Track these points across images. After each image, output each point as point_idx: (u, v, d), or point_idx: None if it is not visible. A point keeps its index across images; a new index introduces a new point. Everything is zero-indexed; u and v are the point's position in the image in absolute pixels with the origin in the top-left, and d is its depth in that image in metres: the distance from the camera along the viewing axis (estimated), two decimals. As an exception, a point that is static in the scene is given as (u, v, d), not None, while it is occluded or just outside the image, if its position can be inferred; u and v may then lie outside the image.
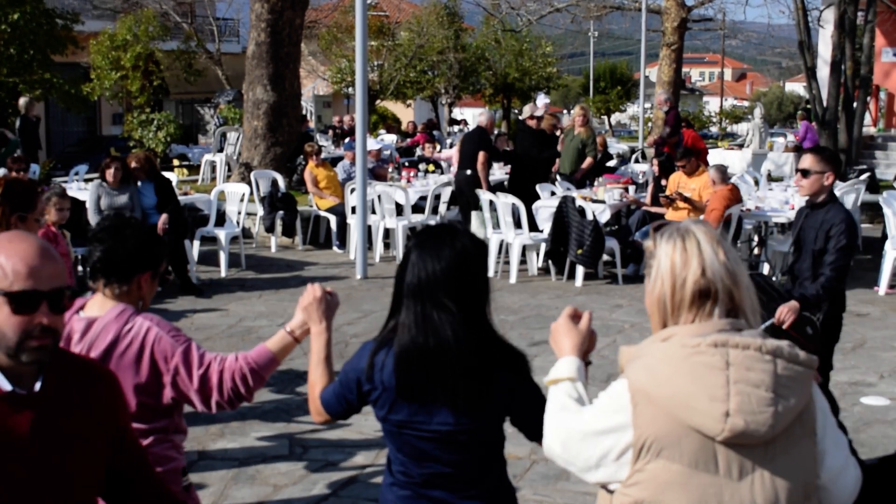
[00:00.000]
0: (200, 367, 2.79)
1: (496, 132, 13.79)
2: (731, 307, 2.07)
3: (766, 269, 10.41)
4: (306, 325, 2.81)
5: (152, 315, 2.88)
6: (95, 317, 2.84)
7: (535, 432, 2.44)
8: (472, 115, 44.25)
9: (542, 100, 12.51)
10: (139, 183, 9.75)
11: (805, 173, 5.17)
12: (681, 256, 2.09)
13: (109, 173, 9.39)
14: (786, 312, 5.02)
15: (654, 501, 2.01)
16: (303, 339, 2.88)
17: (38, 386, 2.01)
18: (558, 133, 12.70)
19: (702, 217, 9.77)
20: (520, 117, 12.53)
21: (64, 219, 5.74)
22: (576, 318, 2.44)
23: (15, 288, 1.94)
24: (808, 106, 19.05)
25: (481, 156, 11.40)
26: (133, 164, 9.72)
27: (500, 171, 13.83)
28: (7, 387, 1.97)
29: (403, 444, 2.54)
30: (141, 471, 2.28)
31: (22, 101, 14.97)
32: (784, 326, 4.96)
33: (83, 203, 9.66)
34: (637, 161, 16.64)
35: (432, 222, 2.64)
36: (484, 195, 11.04)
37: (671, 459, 1.99)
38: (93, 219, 9.43)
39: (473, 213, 11.31)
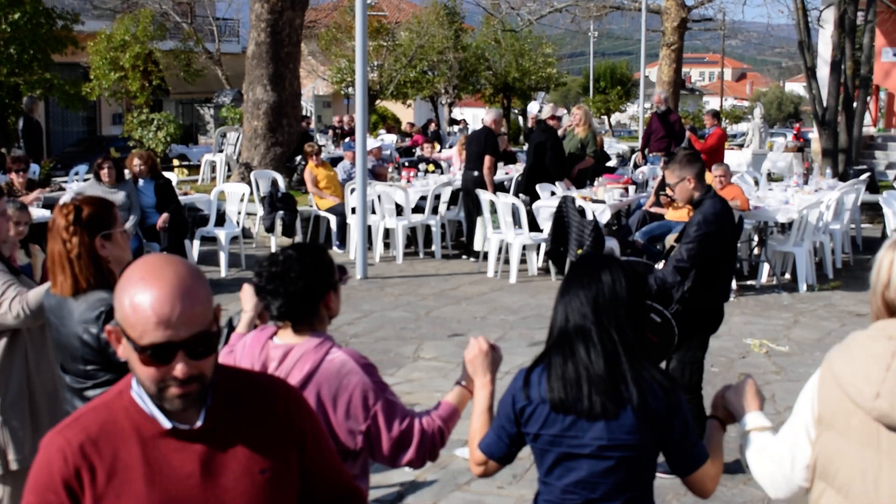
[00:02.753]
0: (402, 421, 2.68)
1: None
2: None
3: (766, 269, 10.42)
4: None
5: (350, 350, 2.76)
6: (292, 345, 2.72)
7: (682, 464, 2.55)
8: (473, 115, 44.27)
9: (535, 104, 12.52)
10: (140, 182, 9.77)
11: (670, 187, 5.33)
12: None
13: (104, 173, 9.41)
14: None
15: (823, 468, 2.24)
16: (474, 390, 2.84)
17: (199, 422, 1.85)
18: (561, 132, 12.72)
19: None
20: (540, 117, 12.52)
21: (21, 235, 4.72)
22: None
23: (145, 341, 1.73)
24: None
25: (487, 160, 11.41)
26: (136, 162, 9.76)
27: (500, 171, 13.82)
28: (167, 424, 1.83)
29: (553, 464, 2.54)
30: (330, 481, 2.11)
31: (25, 100, 14.97)
32: None
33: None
34: (636, 164, 16.64)
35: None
36: (484, 195, 11.05)
37: (839, 432, 2.19)
38: None
39: (478, 219, 11.32)
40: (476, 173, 11.50)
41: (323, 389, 2.64)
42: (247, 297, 3.05)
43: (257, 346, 2.76)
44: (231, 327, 3.11)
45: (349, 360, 2.68)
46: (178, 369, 1.75)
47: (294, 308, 2.70)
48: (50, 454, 1.83)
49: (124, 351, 1.80)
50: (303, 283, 2.68)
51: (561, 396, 2.49)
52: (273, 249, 12.33)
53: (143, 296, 1.73)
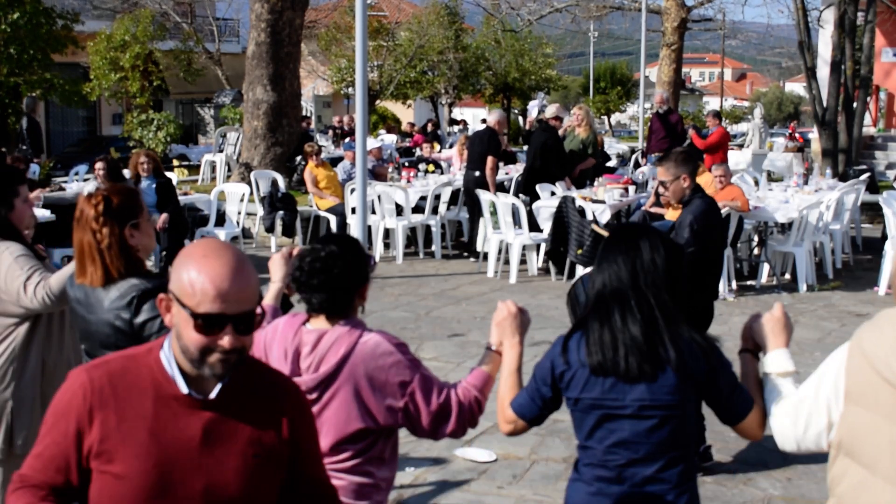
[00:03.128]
0: (440, 394, 2.74)
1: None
2: None
3: (766, 269, 10.42)
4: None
5: (382, 332, 2.81)
6: (325, 329, 2.77)
7: (730, 415, 2.61)
8: (473, 116, 44.27)
9: (534, 105, 12.54)
10: (142, 182, 9.78)
11: (664, 185, 5.37)
12: None
13: (97, 173, 9.49)
14: None
15: (849, 444, 2.25)
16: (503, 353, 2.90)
17: (214, 393, 2.02)
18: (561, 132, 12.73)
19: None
20: (540, 118, 12.54)
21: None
22: None
23: (201, 310, 1.93)
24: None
25: (490, 160, 11.44)
26: (143, 160, 9.80)
27: (500, 172, 13.82)
28: (185, 389, 2.00)
29: (594, 427, 2.59)
30: (317, 491, 2.24)
31: (26, 100, 14.97)
32: None
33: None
34: (637, 164, 16.63)
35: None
36: (484, 195, 11.05)
37: (867, 407, 2.20)
38: None
39: (480, 219, 11.33)
40: (478, 173, 11.51)
41: (358, 370, 2.69)
42: (276, 267, 3.12)
43: (290, 331, 2.80)
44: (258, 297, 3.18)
45: (383, 341, 2.73)
46: (226, 340, 1.94)
47: (335, 302, 2.76)
48: (73, 387, 2.02)
49: (175, 318, 1.98)
50: (345, 278, 2.74)
51: (599, 360, 2.56)
52: (273, 249, 12.34)
53: (205, 270, 1.94)
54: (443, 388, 2.75)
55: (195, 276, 1.93)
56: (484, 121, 41.75)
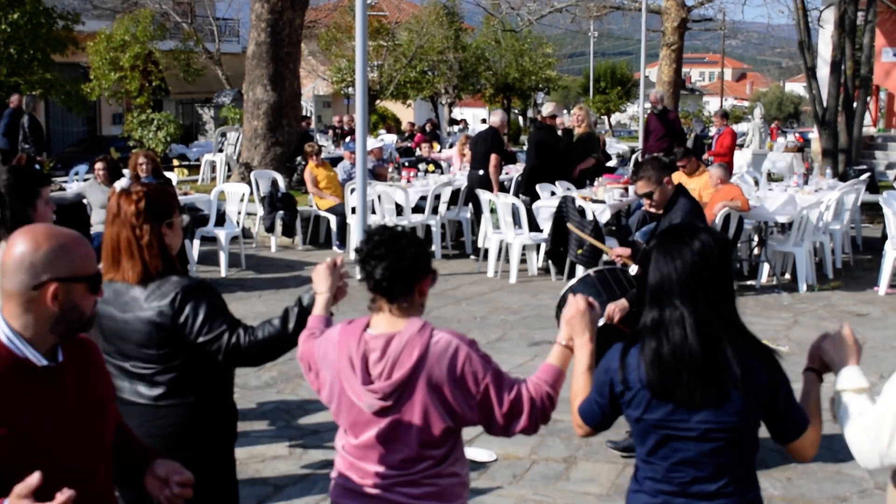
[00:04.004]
0: (511, 390, 2.67)
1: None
2: None
3: (766, 269, 10.42)
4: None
5: (451, 330, 2.74)
6: (392, 332, 2.67)
7: (784, 433, 2.52)
8: (473, 115, 44.25)
9: (549, 106, 12.55)
10: (141, 181, 9.78)
11: (650, 196, 5.39)
12: None
13: (97, 173, 9.50)
14: (613, 310, 5.16)
15: None
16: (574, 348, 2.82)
17: (60, 357, 2.26)
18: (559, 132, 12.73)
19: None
20: (540, 115, 12.54)
21: None
22: None
23: (91, 272, 2.25)
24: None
25: (493, 158, 11.47)
26: (142, 161, 9.79)
27: (501, 172, 13.83)
28: (43, 361, 2.21)
29: (657, 445, 2.53)
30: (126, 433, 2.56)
31: (25, 99, 14.96)
32: (614, 321, 5.16)
33: (83, 204, 9.74)
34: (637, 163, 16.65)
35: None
36: (484, 195, 11.05)
37: None
38: (96, 216, 9.45)
39: (483, 218, 11.35)
40: (482, 172, 11.55)
41: (434, 372, 2.62)
42: (321, 278, 3.06)
43: (352, 338, 2.69)
44: (301, 307, 3.11)
45: (453, 339, 2.67)
46: (98, 295, 2.31)
47: (397, 277, 2.65)
48: None
49: (67, 295, 2.22)
50: (410, 254, 2.66)
51: (660, 385, 2.47)
52: (273, 249, 12.35)
53: (78, 243, 2.26)
54: (514, 383, 2.69)
55: (80, 249, 2.24)
56: (484, 120, 41.80)
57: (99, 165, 9.48)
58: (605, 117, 49.09)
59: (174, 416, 3.10)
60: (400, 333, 2.65)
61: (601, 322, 5.00)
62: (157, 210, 3.15)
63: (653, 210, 5.56)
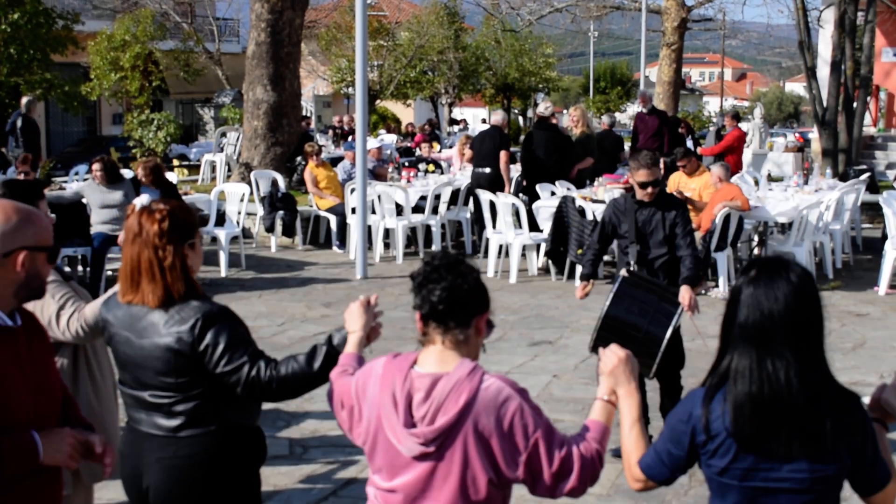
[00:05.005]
0: (562, 448, 2.47)
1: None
2: None
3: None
4: (613, 390, 2.65)
5: (500, 375, 2.52)
6: (440, 373, 2.45)
7: (867, 484, 2.40)
8: (473, 116, 44.23)
9: (544, 105, 12.56)
10: (143, 188, 9.78)
11: (655, 184, 5.52)
12: None
13: (94, 174, 9.48)
14: (689, 298, 5.21)
15: None
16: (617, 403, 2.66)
17: (19, 320, 2.53)
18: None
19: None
20: (536, 114, 12.56)
21: None
22: None
23: (50, 242, 2.56)
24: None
25: (503, 155, 11.51)
26: (140, 172, 9.79)
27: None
28: (8, 322, 2.49)
29: (741, 500, 2.36)
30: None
31: (24, 100, 14.96)
32: (696, 311, 5.24)
33: (83, 204, 9.72)
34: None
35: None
36: (483, 195, 11.05)
37: None
38: (95, 216, 9.45)
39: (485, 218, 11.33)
40: (488, 170, 11.55)
41: (482, 420, 2.42)
42: (355, 317, 2.92)
43: (398, 374, 2.49)
44: (331, 345, 2.97)
45: (505, 386, 2.46)
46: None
47: (455, 301, 2.45)
48: None
49: (32, 264, 2.51)
50: (471, 279, 2.49)
51: (754, 437, 2.30)
52: (273, 249, 12.34)
53: (36, 217, 2.55)
54: (564, 440, 2.50)
55: (39, 221, 2.53)
56: (484, 120, 41.80)
57: (96, 167, 9.45)
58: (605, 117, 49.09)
59: (196, 447, 2.93)
60: (448, 375, 2.44)
61: (679, 310, 4.97)
62: (180, 230, 3.01)
63: (645, 199, 5.57)
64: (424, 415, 2.43)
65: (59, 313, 3.42)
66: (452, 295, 2.44)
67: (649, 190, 5.53)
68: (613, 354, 2.63)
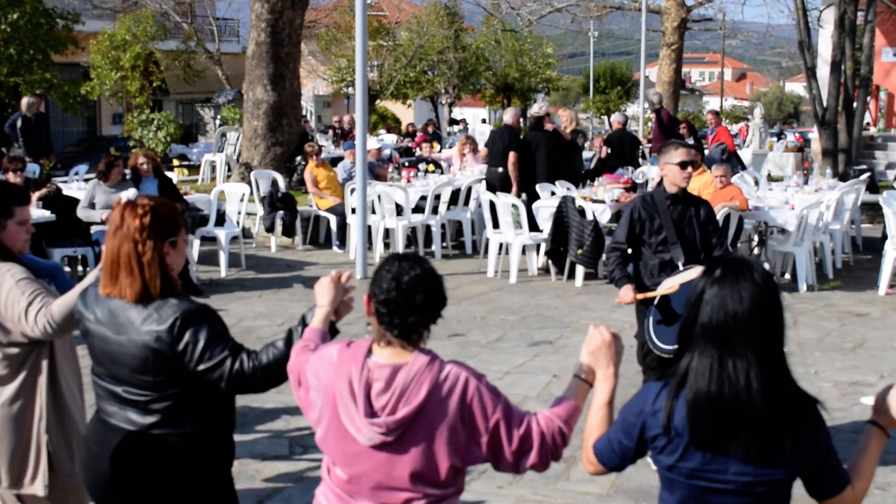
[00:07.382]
0: (520, 425, 2.52)
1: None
2: None
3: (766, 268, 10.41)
4: (592, 369, 2.66)
5: (459, 362, 2.58)
6: (398, 364, 2.49)
7: (821, 489, 2.38)
8: (473, 115, 44.21)
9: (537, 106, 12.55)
10: (143, 182, 9.78)
11: (695, 165, 5.57)
12: None
13: (115, 172, 9.48)
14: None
15: None
16: (594, 382, 2.66)
17: None
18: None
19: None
20: (532, 115, 12.51)
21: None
22: None
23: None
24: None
25: (512, 156, 11.54)
26: (142, 160, 9.79)
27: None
28: None
29: (688, 496, 2.37)
30: None
31: (24, 100, 14.96)
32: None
33: (77, 201, 9.73)
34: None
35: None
36: (484, 195, 11.05)
37: None
38: (81, 214, 9.44)
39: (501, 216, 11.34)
40: (501, 170, 11.59)
41: (444, 407, 2.48)
42: (325, 291, 2.95)
43: (354, 364, 2.52)
44: (304, 325, 2.98)
45: (462, 371, 2.53)
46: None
47: (428, 322, 2.52)
48: None
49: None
50: (441, 298, 2.55)
51: (709, 436, 2.30)
52: (273, 249, 12.35)
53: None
54: (523, 418, 2.55)
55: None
56: (484, 120, 41.71)
57: (118, 165, 9.54)
58: (605, 117, 49.06)
59: (169, 446, 2.94)
60: (407, 365, 2.49)
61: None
62: (162, 226, 3.00)
63: (684, 184, 5.37)
64: (385, 405, 2.46)
65: (27, 309, 3.40)
66: (426, 320, 2.53)
67: (689, 170, 5.35)
68: (598, 335, 2.63)
